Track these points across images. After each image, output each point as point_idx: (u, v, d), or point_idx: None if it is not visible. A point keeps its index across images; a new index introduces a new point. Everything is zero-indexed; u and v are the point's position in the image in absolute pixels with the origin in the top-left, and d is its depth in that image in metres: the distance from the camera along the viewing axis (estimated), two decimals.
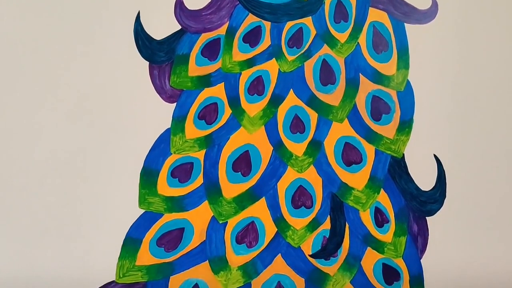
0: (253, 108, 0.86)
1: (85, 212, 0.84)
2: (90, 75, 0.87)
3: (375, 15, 0.89)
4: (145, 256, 0.83)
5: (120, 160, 0.85)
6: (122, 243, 0.82)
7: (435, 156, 0.88)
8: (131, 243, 0.82)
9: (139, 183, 0.84)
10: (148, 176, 0.84)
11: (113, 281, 0.82)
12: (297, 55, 0.88)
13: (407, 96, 0.88)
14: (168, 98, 0.87)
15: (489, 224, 0.89)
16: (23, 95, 0.86)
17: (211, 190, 0.84)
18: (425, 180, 0.87)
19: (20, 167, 0.85)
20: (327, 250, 0.85)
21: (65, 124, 0.86)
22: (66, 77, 0.87)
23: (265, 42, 0.88)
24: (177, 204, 0.84)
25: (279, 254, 0.84)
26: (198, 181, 0.85)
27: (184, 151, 0.85)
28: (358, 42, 0.88)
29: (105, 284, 0.82)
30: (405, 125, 0.87)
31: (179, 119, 0.86)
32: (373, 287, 0.85)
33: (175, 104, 0.86)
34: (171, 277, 0.83)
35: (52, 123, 0.86)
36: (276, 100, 0.86)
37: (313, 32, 0.88)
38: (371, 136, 0.87)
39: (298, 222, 0.85)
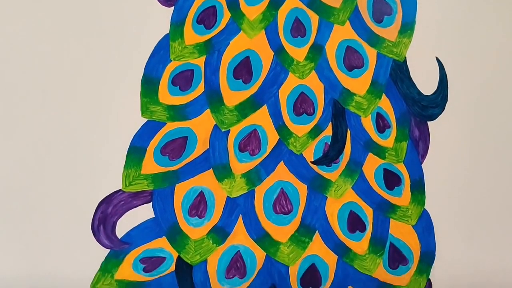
0: (253, 11, 0.93)
1: (87, 122, 0.92)
2: None
3: None
4: (150, 165, 0.91)
5: (119, 68, 0.91)
6: (126, 152, 0.91)
7: (437, 59, 0.97)
8: (135, 152, 0.91)
9: (140, 92, 0.91)
10: (149, 84, 0.92)
11: (119, 190, 0.91)
12: None
13: None
14: (166, 2, 0.92)
15: (492, 128, 0.97)
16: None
17: (213, 98, 0.92)
18: (427, 84, 0.96)
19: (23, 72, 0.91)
20: (329, 156, 0.94)
21: (59, 34, 0.92)
22: None
23: None
24: (179, 112, 0.92)
25: (282, 161, 0.93)
26: (199, 89, 0.92)
27: (183, 57, 0.93)
28: None
29: (112, 193, 0.91)
30: (407, 27, 0.95)
31: (177, 24, 0.92)
32: (375, 192, 0.95)
33: (173, 8, 0.93)
34: (176, 185, 0.92)
35: (49, 33, 0.92)
36: (276, 2, 0.93)
37: None
38: (373, 39, 0.95)
39: (300, 129, 0.93)
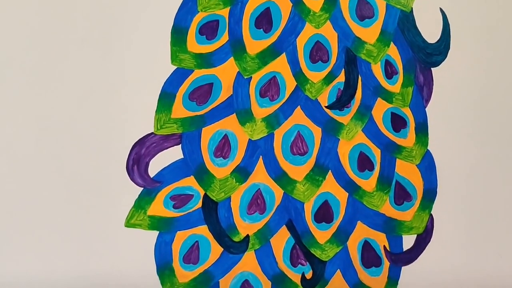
0: None
1: (122, 69, 1.02)
2: None
3: None
4: (179, 110, 1.01)
5: (151, 19, 1.01)
6: (158, 97, 1.01)
7: (441, 9, 1.07)
8: (166, 97, 1.01)
9: (170, 41, 1.01)
10: (178, 34, 1.01)
11: (151, 133, 1.02)
12: None
13: None
14: None
15: (491, 72, 1.08)
16: None
17: (236, 46, 1.02)
18: (431, 33, 1.06)
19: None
20: (342, 101, 1.04)
21: None
22: None
23: None
24: (206, 60, 1.02)
25: (299, 106, 1.03)
26: (224, 38, 1.02)
27: (210, 8, 1.02)
28: None
29: (145, 136, 1.01)
30: None
31: None
32: (382, 134, 1.05)
33: None
34: (203, 128, 1.02)
35: None
36: None
37: None
38: None
39: (315, 75, 1.03)
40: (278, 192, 1.03)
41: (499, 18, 1.08)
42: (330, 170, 1.03)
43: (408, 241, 1.06)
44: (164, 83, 1.01)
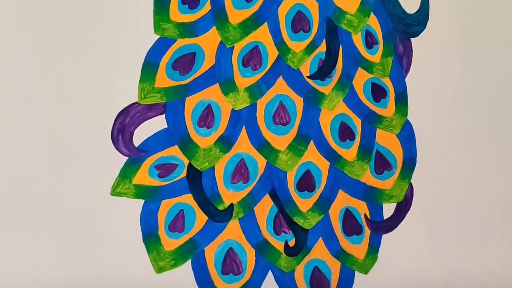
0: None
1: (105, 39, 1.04)
2: None
3: None
4: (163, 79, 1.03)
5: None
6: (141, 67, 1.03)
7: None
8: (149, 66, 1.03)
9: (153, 10, 1.02)
10: (161, 3, 1.02)
11: (135, 102, 1.04)
12: None
13: None
14: None
15: (470, 42, 1.11)
16: None
17: (218, 16, 1.04)
18: (410, 4, 1.09)
19: None
20: (323, 71, 1.07)
21: None
22: None
23: None
24: (188, 29, 1.04)
25: (281, 76, 1.06)
26: (206, 7, 1.04)
27: None
28: None
29: (129, 105, 1.03)
30: None
31: None
32: (363, 104, 1.08)
33: None
34: (186, 98, 1.05)
35: None
36: None
37: None
38: None
39: (297, 45, 1.06)
40: (261, 162, 1.05)
41: None
42: (312, 140, 1.06)
43: (389, 209, 1.09)
44: (147, 52, 1.03)
